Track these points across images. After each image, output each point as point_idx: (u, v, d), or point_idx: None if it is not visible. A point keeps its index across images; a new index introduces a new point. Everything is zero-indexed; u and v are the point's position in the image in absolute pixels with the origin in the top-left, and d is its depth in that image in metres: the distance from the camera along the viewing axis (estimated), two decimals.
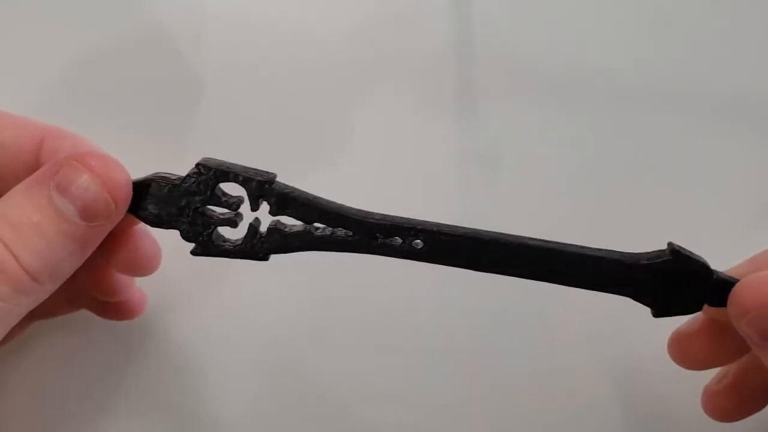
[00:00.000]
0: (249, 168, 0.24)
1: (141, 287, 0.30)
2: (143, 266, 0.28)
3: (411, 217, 0.24)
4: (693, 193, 0.32)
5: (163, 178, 0.24)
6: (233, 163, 0.24)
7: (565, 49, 0.33)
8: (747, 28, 0.34)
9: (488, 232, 0.24)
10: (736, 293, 0.23)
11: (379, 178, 0.32)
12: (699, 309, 0.24)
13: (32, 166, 0.24)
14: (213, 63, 0.32)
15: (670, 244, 0.24)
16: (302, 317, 0.31)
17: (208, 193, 0.24)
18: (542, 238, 0.24)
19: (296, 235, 0.24)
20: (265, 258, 0.24)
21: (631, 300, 0.24)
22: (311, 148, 0.33)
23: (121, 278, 0.28)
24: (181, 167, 0.25)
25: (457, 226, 0.24)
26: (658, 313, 0.24)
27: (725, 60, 0.33)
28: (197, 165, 0.24)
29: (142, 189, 0.24)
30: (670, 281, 0.24)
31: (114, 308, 0.29)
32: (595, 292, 0.24)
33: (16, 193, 0.23)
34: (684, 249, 0.24)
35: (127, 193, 0.24)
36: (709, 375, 0.28)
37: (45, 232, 0.22)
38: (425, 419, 0.31)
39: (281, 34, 0.33)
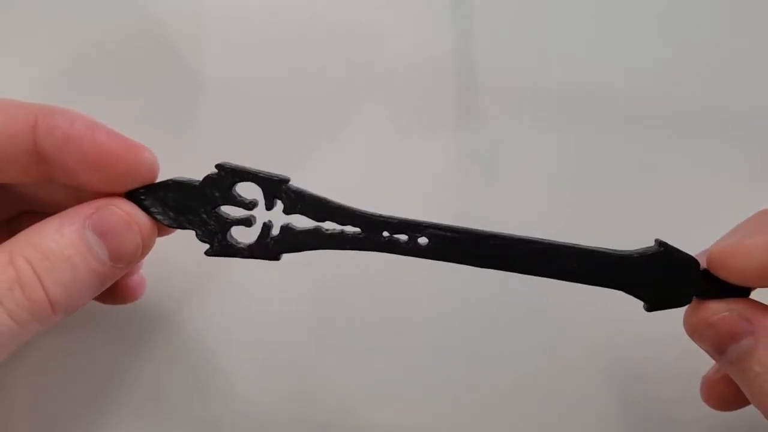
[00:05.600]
0: (264, 170, 0.25)
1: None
2: None
3: None
4: (684, 204, 0.33)
5: (180, 181, 0.25)
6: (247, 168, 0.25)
7: (562, 64, 0.33)
8: (744, 50, 0.34)
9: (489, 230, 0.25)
10: (686, 312, 0.25)
11: (378, 188, 0.32)
12: (689, 301, 0.25)
13: (29, 149, 0.24)
14: (213, 61, 0.32)
15: (657, 239, 0.25)
16: (307, 315, 0.32)
17: (226, 193, 0.25)
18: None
19: (307, 233, 0.25)
20: (276, 257, 0.25)
21: (631, 299, 0.25)
22: (309, 149, 0.33)
23: None
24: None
25: (460, 226, 0.25)
26: (650, 307, 0.25)
27: (722, 79, 0.34)
28: (217, 166, 0.25)
29: (159, 191, 0.25)
30: (659, 273, 0.25)
31: (116, 291, 0.29)
32: (593, 290, 0.25)
33: (51, 225, 0.23)
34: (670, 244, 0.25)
35: (152, 241, 0.25)
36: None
37: (75, 268, 0.23)
38: (426, 419, 0.31)
39: (282, 36, 0.33)
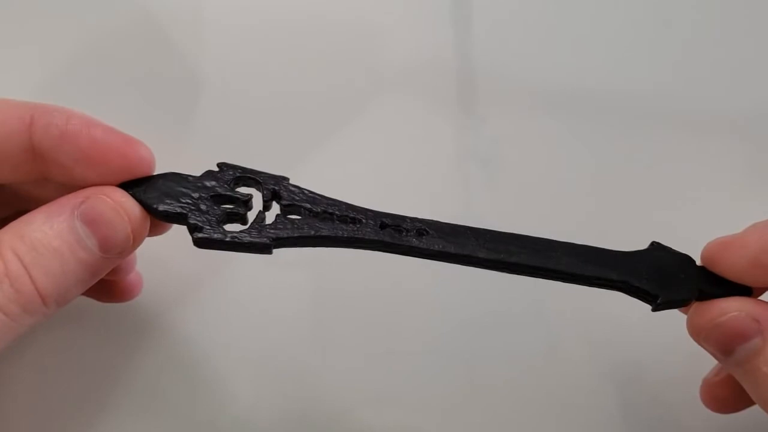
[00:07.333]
0: (263, 171, 0.25)
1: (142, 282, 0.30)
2: None
3: None
4: (684, 204, 0.33)
5: (177, 174, 0.25)
6: (248, 167, 0.25)
7: (562, 64, 0.33)
8: (746, 50, 0.34)
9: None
10: (690, 313, 0.24)
11: (378, 188, 0.32)
12: (690, 300, 0.24)
13: (25, 147, 0.24)
14: (213, 61, 0.32)
15: (653, 241, 0.25)
16: (305, 316, 0.31)
17: (223, 188, 0.25)
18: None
19: (302, 229, 0.25)
20: (269, 251, 0.24)
21: (632, 301, 0.25)
22: (309, 148, 0.33)
23: None
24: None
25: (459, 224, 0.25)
26: (653, 308, 0.25)
27: (722, 79, 0.34)
28: (218, 165, 0.25)
29: (158, 181, 0.24)
30: (655, 272, 0.24)
31: (114, 289, 0.29)
32: (594, 292, 0.25)
33: (39, 216, 0.23)
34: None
35: (144, 231, 0.24)
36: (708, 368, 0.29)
37: (63, 259, 0.23)
38: (426, 420, 0.31)
39: (282, 36, 0.33)
